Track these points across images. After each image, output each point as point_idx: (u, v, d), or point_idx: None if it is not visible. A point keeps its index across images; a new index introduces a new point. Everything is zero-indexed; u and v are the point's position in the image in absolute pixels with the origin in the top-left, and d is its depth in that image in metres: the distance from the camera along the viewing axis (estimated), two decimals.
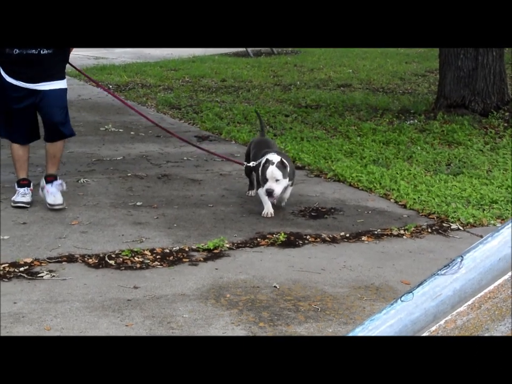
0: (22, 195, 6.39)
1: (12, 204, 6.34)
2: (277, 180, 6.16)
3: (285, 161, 6.22)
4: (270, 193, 6.19)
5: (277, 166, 6.17)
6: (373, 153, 8.73)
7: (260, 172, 6.34)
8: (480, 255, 1.70)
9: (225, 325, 4.27)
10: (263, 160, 6.27)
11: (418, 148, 9.17)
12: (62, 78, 6.32)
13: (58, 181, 6.49)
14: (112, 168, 8.06)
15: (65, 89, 6.34)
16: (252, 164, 6.52)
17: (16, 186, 6.46)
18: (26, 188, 6.44)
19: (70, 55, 6.51)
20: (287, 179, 6.27)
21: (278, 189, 6.19)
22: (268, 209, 6.34)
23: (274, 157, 6.24)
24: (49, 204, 6.33)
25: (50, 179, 6.46)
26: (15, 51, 6.03)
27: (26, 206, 6.34)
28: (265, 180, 6.20)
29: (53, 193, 6.38)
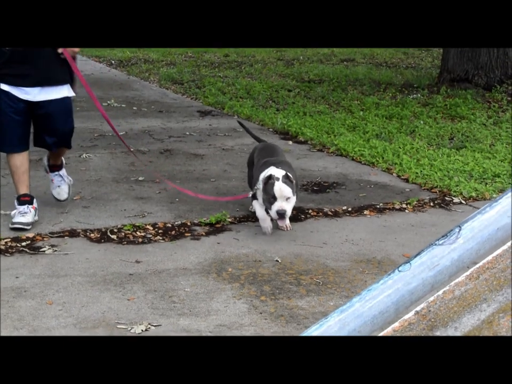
0: (22, 214, 5.40)
1: (10, 224, 5.36)
2: (287, 198, 5.15)
3: (290, 175, 5.23)
4: (281, 214, 5.14)
5: (283, 181, 5.16)
6: (375, 128, 8.71)
7: (262, 190, 5.26)
8: (478, 225, 1.69)
9: (226, 298, 4.28)
10: (265, 176, 5.27)
11: (421, 122, 9.15)
12: (66, 82, 5.46)
13: (64, 172, 5.92)
14: (115, 143, 8.05)
15: (70, 97, 5.54)
16: (256, 188, 5.39)
17: (15, 203, 5.50)
18: (27, 205, 5.45)
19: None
20: (296, 196, 5.29)
21: (289, 208, 5.20)
22: (265, 223, 5.38)
23: (277, 171, 5.25)
24: (54, 196, 5.89)
25: (55, 168, 5.90)
26: (5, 48, 5.17)
27: (26, 227, 5.34)
28: (272, 199, 5.16)
29: (57, 183, 5.85)
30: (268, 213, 5.30)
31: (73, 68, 5.38)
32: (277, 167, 5.33)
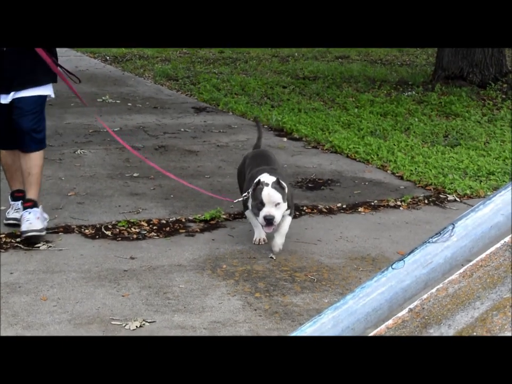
0: (16, 210, 5.35)
1: (4, 220, 5.32)
2: (276, 204, 4.86)
3: (281, 181, 4.96)
4: (269, 220, 4.84)
5: (273, 187, 4.88)
6: (370, 125, 8.71)
7: (251, 196, 5.01)
8: (471, 223, 1.69)
9: (221, 295, 4.28)
10: (254, 181, 4.99)
11: (416, 119, 9.15)
12: (41, 84, 5.12)
13: (39, 210, 5.19)
14: (109, 139, 8.03)
15: (43, 96, 5.17)
16: (244, 196, 5.12)
17: (9, 199, 5.45)
18: (21, 201, 5.32)
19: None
20: (286, 203, 4.97)
21: (278, 215, 4.87)
22: (260, 234, 5.17)
23: (268, 178, 4.98)
24: (23, 231, 5.03)
25: (28, 204, 5.18)
26: None
27: (20, 223, 5.14)
28: (261, 205, 4.88)
29: (29, 220, 5.05)
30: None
31: (47, 62, 5.01)
32: (269, 174, 5.06)
